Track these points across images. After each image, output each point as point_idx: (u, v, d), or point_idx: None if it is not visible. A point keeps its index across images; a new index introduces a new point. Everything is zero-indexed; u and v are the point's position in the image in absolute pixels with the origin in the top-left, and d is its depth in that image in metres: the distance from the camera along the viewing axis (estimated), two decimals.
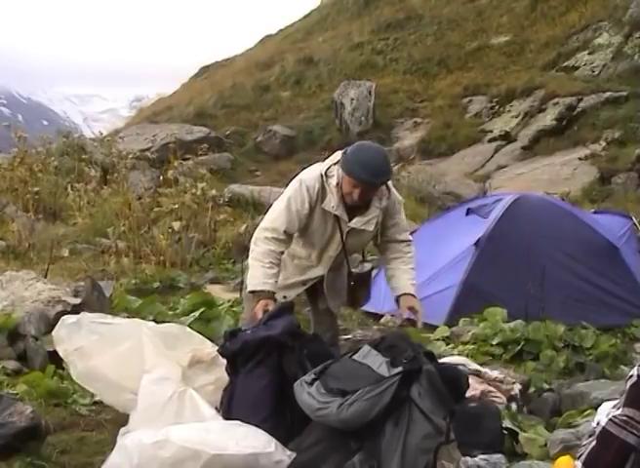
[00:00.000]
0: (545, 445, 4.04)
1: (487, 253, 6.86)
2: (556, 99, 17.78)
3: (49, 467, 3.59)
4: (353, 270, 4.37)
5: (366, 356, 3.40)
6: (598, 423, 2.84)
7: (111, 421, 4.10)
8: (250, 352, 3.72)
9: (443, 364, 3.75)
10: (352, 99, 19.42)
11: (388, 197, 4.22)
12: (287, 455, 3.30)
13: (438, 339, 6.18)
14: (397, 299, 4.39)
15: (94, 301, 5.73)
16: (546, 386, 5.17)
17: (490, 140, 18.05)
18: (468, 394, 3.88)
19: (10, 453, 3.53)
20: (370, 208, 4.17)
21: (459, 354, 5.58)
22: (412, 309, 4.35)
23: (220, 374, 3.95)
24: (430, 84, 21.30)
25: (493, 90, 19.72)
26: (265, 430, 3.40)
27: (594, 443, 2.81)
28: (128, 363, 3.87)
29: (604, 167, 14.76)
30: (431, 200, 13.74)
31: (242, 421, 3.46)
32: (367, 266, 4.49)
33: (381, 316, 7.00)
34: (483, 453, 3.76)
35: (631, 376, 2.78)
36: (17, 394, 4.27)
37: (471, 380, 4.08)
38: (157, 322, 5.24)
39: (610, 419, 2.76)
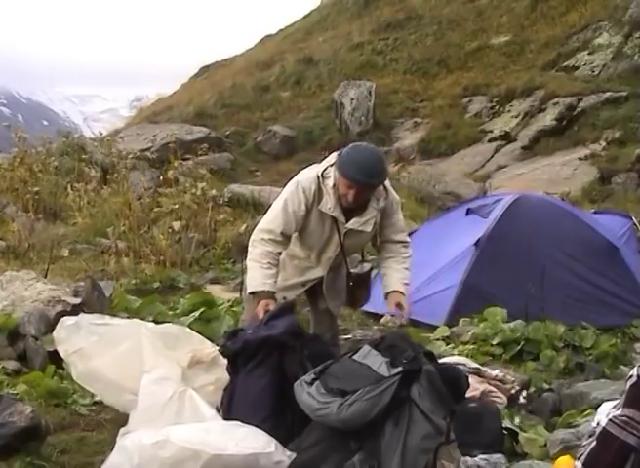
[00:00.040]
0: (545, 445, 4.04)
1: (487, 253, 6.86)
2: (556, 99, 17.78)
3: (49, 467, 3.59)
4: (352, 271, 4.37)
5: (366, 356, 3.40)
6: (598, 423, 2.84)
7: (111, 421, 4.10)
8: (251, 352, 3.72)
9: (443, 364, 3.75)
10: (352, 99, 19.42)
11: (386, 197, 4.21)
12: (287, 456, 3.30)
13: (438, 339, 6.18)
14: (386, 296, 4.37)
15: (94, 301, 5.72)
16: (546, 386, 5.16)
17: (490, 140, 18.06)
18: (468, 394, 3.88)
19: (10, 453, 3.53)
20: (367, 208, 4.17)
21: (459, 354, 5.58)
22: (398, 306, 4.32)
23: (219, 375, 3.95)
24: (430, 84, 21.31)
25: (493, 90, 19.73)
26: (265, 430, 3.40)
27: (594, 443, 2.81)
28: (127, 363, 3.87)
29: (604, 167, 14.76)
30: (431, 200, 13.74)
31: (242, 421, 3.46)
32: (366, 266, 4.49)
33: (381, 316, 6.99)
34: (483, 453, 3.76)
35: (631, 377, 2.77)
36: (17, 394, 4.27)
37: (471, 380, 4.08)
38: (157, 322, 5.25)
39: (610, 420, 2.75)
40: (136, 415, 3.67)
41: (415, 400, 3.21)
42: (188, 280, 7.94)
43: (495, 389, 4.64)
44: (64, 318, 4.25)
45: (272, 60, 24.67)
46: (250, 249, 4.19)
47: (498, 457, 3.76)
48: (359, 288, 4.41)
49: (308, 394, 3.34)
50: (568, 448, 3.72)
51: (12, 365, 4.78)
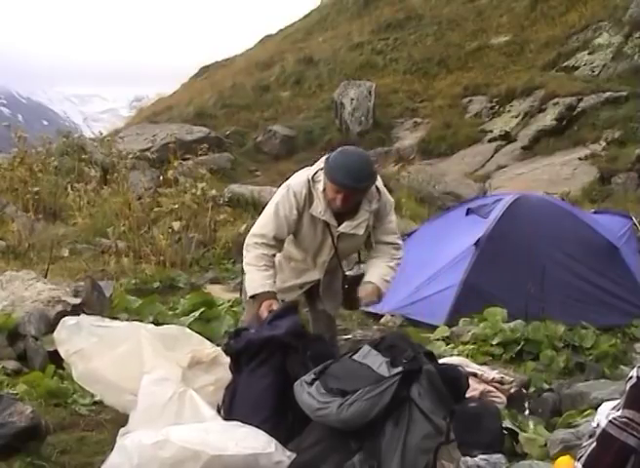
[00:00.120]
0: (545, 445, 4.04)
1: (487, 253, 6.86)
2: (556, 99, 17.77)
3: (49, 467, 3.60)
4: (348, 273, 4.35)
5: (366, 356, 3.40)
6: (598, 424, 2.84)
7: (111, 421, 4.10)
8: (254, 351, 3.73)
9: (443, 364, 3.75)
10: (352, 99, 19.41)
11: (379, 199, 4.18)
12: (287, 456, 3.30)
13: (438, 339, 6.18)
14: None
15: (94, 301, 5.72)
16: (546, 386, 5.17)
17: (490, 140, 18.04)
18: (468, 394, 3.88)
19: (10, 453, 3.53)
20: (359, 211, 4.14)
21: (458, 354, 5.59)
22: (367, 296, 4.23)
23: (219, 375, 3.96)
24: (430, 84, 21.30)
25: (493, 90, 19.72)
26: (266, 430, 3.40)
27: (594, 444, 2.81)
28: (127, 364, 3.88)
29: (604, 167, 14.75)
30: (431, 200, 13.74)
31: (243, 421, 3.47)
32: (362, 269, 4.47)
33: (381, 316, 7.00)
34: (483, 453, 3.77)
35: (631, 378, 2.77)
36: (17, 394, 4.27)
37: (471, 380, 4.08)
38: (157, 322, 5.27)
39: (610, 421, 2.75)
40: (136, 416, 3.67)
41: (415, 400, 3.22)
42: (188, 280, 7.94)
43: (494, 389, 4.64)
44: (65, 318, 4.26)
45: (272, 60, 24.66)
46: (244, 253, 4.21)
47: (497, 457, 3.77)
48: (355, 290, 4.38)
49: (308, 394, 3.34)
50: (568, 448, 3.72)
51: (12, 365, 4.78)
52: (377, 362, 3.33)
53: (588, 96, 17.36)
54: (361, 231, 4.17)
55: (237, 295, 6.79)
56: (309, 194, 4.12)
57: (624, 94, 16.95)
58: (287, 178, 4.33)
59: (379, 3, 26.30)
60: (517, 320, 6.11)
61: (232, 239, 9.30)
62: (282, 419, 3.59)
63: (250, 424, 3.44)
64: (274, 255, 4.19)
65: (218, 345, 4.30)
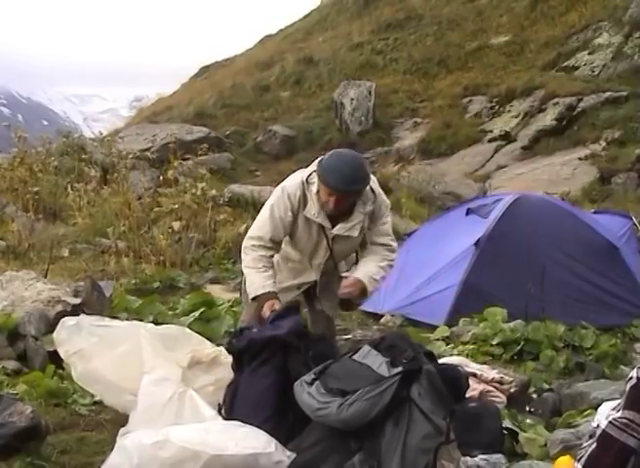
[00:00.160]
0: (545, 445, 4.05)
1: (487, 253, 6.86)
2: (556, 99, 17.77)
3: (49, 467, 3.59)
4: (343, 275, 4.34)
5: (366, 356, 3.40)
6: (598, 425, 2.84)
7: (111, 421, 4.10)
8: (256, 350, 3.75)
9: (443, 364, 3.75)
10: (352, 99, 19.41)
11: (374, 201, 4.16)
12: (287, 456, 3.30)
13: (438, 339, 6.18)
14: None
15: (94, 301, 5.72)
16: (546, 386, 5.17)
17: (490, 140, 18.04)
18: (468, 394, 3.88)
19: (10, 453, 3.53)
20: (353, 213, 4.13)
21: (458, 354, 5.59)
22: (346, 287, 4.18)
23: (219, 375, 3.96)
24: (430, 84, 21.30)
25: (493, 90, 19.72)
26: (267, 430, 3.40)
27: (594, 445, 2.81)
28: (127, 365, 3.88)
29: (604, 167, 14.75)
30: (431, 200, 13.74)
31: (244, 420, 3.47)
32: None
33: (381, 316, 7.01)
34: (483, 453, 3.77)
35: (631, 378, 2.77)
36: (17, 394, 4.26)
37: (471, 380, 4.08)
38: (157, 322, 5.26)
39: (610, 422, 2.75)
40: (135, 416, 3.68)
41: (415, 400, 3.22)
42: (188, 280, 7.94)
43: (494, 389, 4.64)
44: (65, 319, 4.26)
45: (272, 60, 24.66)
46: (243, 256, 4.21)
47: (497, 457, 3.77)
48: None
49: (308, 394, 3.34)
50: (568, 448, 3.72)
51: (12, 365, 4.78)
52: (377, 362, 3.33)
53: (588, 96, 17.36)
54: (355, 233, 4.15)
55: (237, 295, 6.79)
56: (303, 196, 4.11)
57: (624, 94, 16.95)
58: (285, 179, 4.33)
59: (379, 3, 26.30)
60: (517, 320, 6.11)
61: (232, 239, 9.30)
62: (283, 419, 3.59)
63: (251, 424, 3.44)
64: (272, 256, 4.20)
65: (218, 345, 4.30)
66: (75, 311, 5.17)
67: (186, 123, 18.85)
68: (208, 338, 4.58)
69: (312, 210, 4.09)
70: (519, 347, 5.84)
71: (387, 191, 13.38)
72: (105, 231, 9.21)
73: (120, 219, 9.27)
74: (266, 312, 3.98)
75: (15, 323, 5.06)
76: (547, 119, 17.44)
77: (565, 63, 19.59)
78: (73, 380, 4.21)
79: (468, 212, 7.50)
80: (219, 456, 3.17)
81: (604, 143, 15.65)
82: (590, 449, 2.82)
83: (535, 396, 4.99)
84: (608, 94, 17.18)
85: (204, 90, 24.19)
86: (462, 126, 18.91)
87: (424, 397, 3.23)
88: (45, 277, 6.42)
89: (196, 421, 3.52)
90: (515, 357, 5.80)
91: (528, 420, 4.50)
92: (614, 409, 2.81)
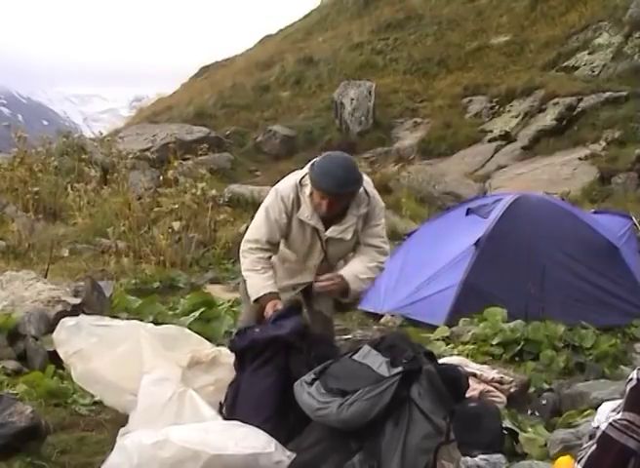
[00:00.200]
0: (545, 445, 4.05)
1: (487, 253, 6.86)
2: (556, 99, 17.77)
3: (49, 467, 3.59)
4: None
5: (366, 356, 3.40)
6: (598, 427, 2.84)
7: (111, 421, 4.10)
8: (258, 350, 3.76)
9: (443, 364, 3.75)
10: (352, 99, 19.41)
11: (368, 203, 4.15)
12: (287, 456, 3.30)
13: (438, 339, 6.18)
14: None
15: (94, 301, 5.72)
16: (546, 386, 5.17)
17: (490, 140, 18.04)
18: (468, 394, 3.88)
19: (10, 453, 3.53)
20: (347, 216, 4.11)
21: (458, 354, 5.59)
22: (323, 280, 4.15)
23: (219, 375, 3.97)
24: (430, 84, 21.30)
25: (493, 90, 19.71)
26: (267, 430, 3.41)
27: (594, 447, 2.81)
28: (126, 364, 3.88)
29: (604, 167, 14.75)
30: (431, 200, 13.74)
31: (245, 419, 3.48)
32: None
33: (381, 316, 7.01)
34: (483, 453, 3.77)
35: (631, 380, 2.77)
36: (17, 394, 4.26)
37: (471, 380, 4.08)
38: (157, 322, 5.26)
39: (610, 424, 2.75)
40: (135, 416, 3.68)
41: (415, 400, 3.22)
42: (188, 280, 7.94)
43: (494, 389, 4.64)
44: (64, 319, 4.27)
45: (272, 60, 24.66)
46: (241, 260, 4.23)
47: (497, 457, 3.77)
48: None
49: (308, 394, 3.34)
50: (568, 448, 3.72)
51: (12, 365, 4.78)
52: (377, 362, 3.33)
53: (588, 96, 17.36)
54: (348, 236, 4.14)
55: (237, 295, 6.80)
56: (297, 198, 4.11)
57: (624, 94, 16.95)
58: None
59: (379, 3, 26.30)
60: (517, 320, 6.11)
61: (232, 239, 9.30)
62: (283, 419, 3.60)
63: (251, 423, 3.45)
64: (270, 258, 4.21)
65: (218, 345, 4.30)
66: (75, 311, 5.17)
67: (186, 123, 18.85)
68: (208, 338, 4.59)
69: (305, 212, 4.09)
70: (519, 347, 5.84)
71: (387, 191, 13.48)
72: (105, 231, 9.21)
73: (120, 219, 9.27)
74: (269, 312, 3.99)
75: (15, 323, 5.06)
76: (547, 119, 17.44)
77: (565, 63, 19.59)
78: (73, 380, 4.21)
79: (468, 212, 7.49)
80: (219, 456, 3.18)
81: (604, 143, 15.65)
82: (590, 451, 2.82)
83: (535, 396, 4.99)
84: (608, 94, 17.18)
85: (204, 90, 24.19)
86: (462, 126, 18.91)
87: (424, 397, 3.23)
88: (45, 277, 6.42)
89: (196, 421, 3.53)
90: (515, 357, 5.79)
91: (528, 420, 4.51)
92: (613, 411, 2.82)
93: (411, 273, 7.21)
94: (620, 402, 2.85)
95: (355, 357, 3.44)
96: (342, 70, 22.14)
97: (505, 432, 4.09)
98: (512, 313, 6.22)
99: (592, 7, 21.00)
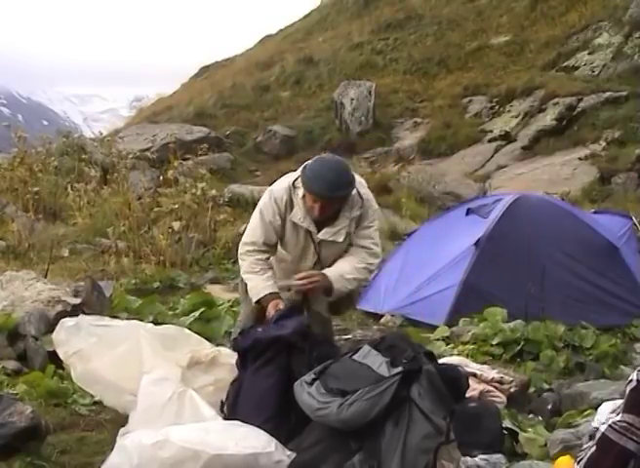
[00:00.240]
0: (545, 445, 4.04)
1: (487, 253, 6.86)
2: (556, 99, 17.76)
3: (49, 467, 3.59)
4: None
5: (366, 356, 3.40)
6: (598, 428, 2.84)
7: (111, 421, 4.10)
8: (260, 349, 3.78)
9: (443, 364, 3.75)
10: (352, 99, 19.41)
11: (361, 206, 4.15)
12: (287, 455, 3.30)
13: (438, 339, 6.17)
14: None
15: (94, 301, 5.72)
16: (546, 386, 5.17)
17: (490, 140, 18.04)
18: (468, 394, 3.88)
19: (10, 453, 3.53)
20: (339, 218, 4.12)
21: (458, 354, 5.59)
22: (301, 278, 4.13)
23: (219, 375, 3.97)
24: (430, 84, 21.30)
25: (493, 90, 19.71)
26: (268, 429, 3.41)
27: (594, 448, 2.81)
28: (126, 365, 3.88)
29: (604, 167, 14.75)
30: (431, 200, 13.73)
31: (246, 419, 3.49)
32: None
33: (381, 316, 7.00)
34: (483, 453, 3.77)
35: (631, 381, 2.77)
36: (17, 394, 4.26)
37: (471, 380, 4.08)
38: (157, 322, 5.26)
39: (609, 425, 2.75)
40: (135, 416, 3.68)
41: (415, 400, 3.22)
42: (188, 280, 7.94)
43: (494, 389, 4.64)
44: (64, 319, 4.27)
45: (272, 60, 24.66)
46: (240, 263, 4.25)
47: (497, 457, 3.77)
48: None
49: (308, 394, 3.35)
50: (568, 448, 3.72)
51: (12, 365, 4.77)
52: (377, 362, 3.33)
53: (588, 96, 17.36)
54: (341, 238, 4.14)
55: (237, 295, 6.79)
56: (290, 200, 4.12)
57: (624, 94, 16.95)
58: None
59: (379, 3, 26.30)
60: (517, 320, 6.11)
61: (232, 239, 9.29)
62: (284, 419, 3.61)
63: (253, 423, 3.45)
64: (268, 258, 4.22)
65: (217, 345, 4.30)
66: (75, 311, 5.17)
67: (186, 123, 18.85)
68: (208, 338, 4.59)
69: (298, 214, 4.10)
70: (519, 347, 5.84)
71: (387, 191, 13.48)
72: (105, 231, 9.20)
73: (120, 219, 9.26)
74: (271, 312, 4.00)
75: (15, 323, 5.05)
76: (547, 119, 17.44)
77: (565, 63, 19.59)
78: (73, 380, 4.21)
79: (468, 212, 7.49)
80: (219, 456, 3.18)
81: (604, 143, 15.65)
82: (590, 452, 2.82)
83: (535, 396, 4.99)
84: (608, 94, 17.18)
85: (204, 90, 24.19)
86: (462, 126, 18.91)
87: (424, 397, 3.23)
88: (45, 277, 6.41)
89: (196, 421, 3.53)
90: (515, 357, 5.79)
91: (528, 420, 4.51)
92: (613, 412, 2.81)
93: (411, 273, 7.21)
94: (619, 402, 2.85)
95: (355, 357, 3.44)
96: (342, 70, 22.14)
97: (505, 432, 4.09)
98: (512, 313, 6.21)
99: (592, 7, 21.00)
